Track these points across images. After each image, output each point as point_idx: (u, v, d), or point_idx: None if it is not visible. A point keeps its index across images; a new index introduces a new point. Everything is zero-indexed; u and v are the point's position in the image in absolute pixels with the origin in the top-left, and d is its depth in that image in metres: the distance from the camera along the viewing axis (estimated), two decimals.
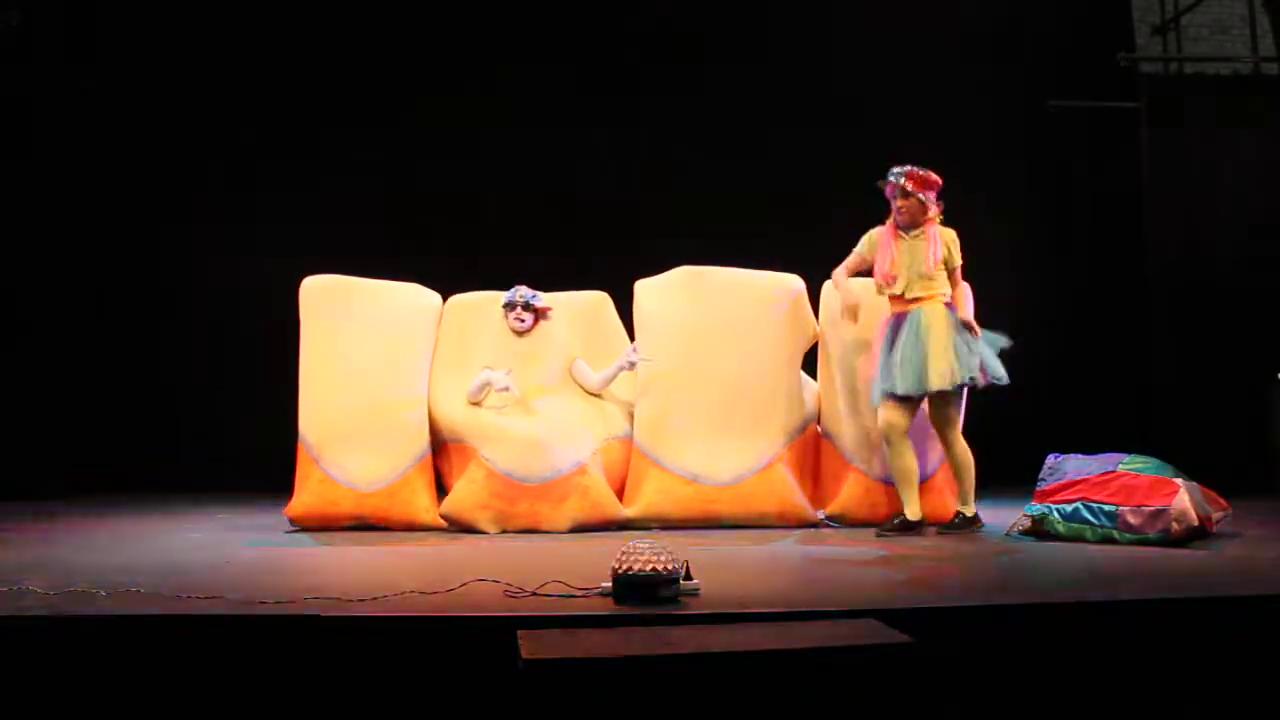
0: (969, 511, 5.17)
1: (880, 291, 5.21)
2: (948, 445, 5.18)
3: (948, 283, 5.16)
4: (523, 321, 5.69)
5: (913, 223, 5.16)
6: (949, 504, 5.59)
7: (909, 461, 5.14)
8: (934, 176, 5.19)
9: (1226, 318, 7.73)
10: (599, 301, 5.95)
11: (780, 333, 5.68)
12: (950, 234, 5.21)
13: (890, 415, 5.09)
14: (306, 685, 2.87)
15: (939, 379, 4.98)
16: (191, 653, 2.89)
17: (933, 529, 5.17)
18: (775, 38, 8.10)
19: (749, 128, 8.02)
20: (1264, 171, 7.83)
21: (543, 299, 5.76)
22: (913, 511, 5.13)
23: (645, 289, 5.84)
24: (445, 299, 5.87)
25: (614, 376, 5.69)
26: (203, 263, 7.82)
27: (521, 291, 5.74)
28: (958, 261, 5.19)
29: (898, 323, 5.13)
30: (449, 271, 6.20)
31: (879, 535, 5.06)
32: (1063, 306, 8.17)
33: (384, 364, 5.55)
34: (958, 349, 5.03)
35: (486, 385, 5.53)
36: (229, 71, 7.94)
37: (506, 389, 5.48)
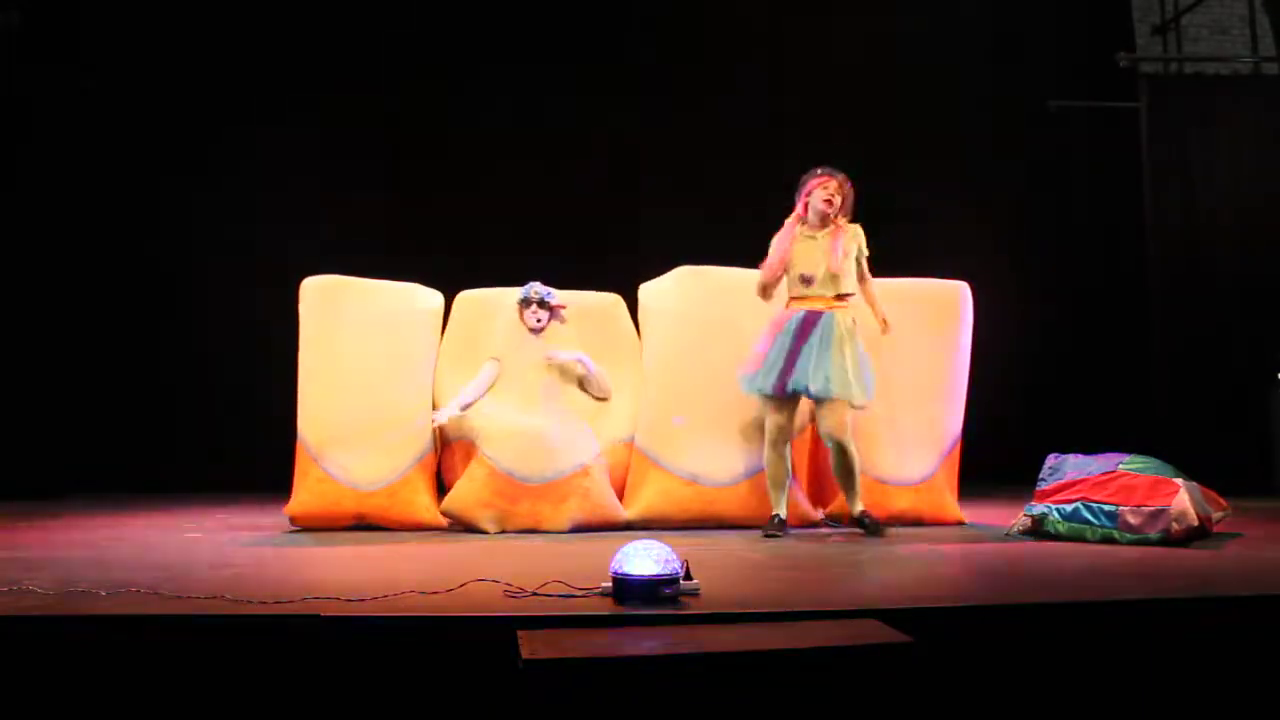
0: (861, 507, 5.12)
1: (794, 290, 5.11)
2: (843, 449, 5.03)
3: (853, 281, 5.12)
4: (540, 320, 5.67)
5: (827, 221, 5.12)
6: (948, 504, 5.60)
7: (789, 467, 5.18)
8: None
9: (1227, 318, 7.73)
10: (611, 304, 5.92)
11: None
12: (856, 228, 5.16)
13: (780, 418, 5.08)
14: (306, 685, 2.87)
15: (859, 393, 4.99)
16: (191, 653, 2.89)
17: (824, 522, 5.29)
18: (775, 36, 8.11)
19: (750, 127, 8.03)
20: (1264, 171, 7.83)
21: (557, 296, 5.74)
22: (784, 510, 5.14)
23: (649, 291, 5.84)
24: (446, 299, 5.87)
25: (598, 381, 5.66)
26: (203, 262, 7.84)
27: (536, 288, 5.69)
28: (866, 252, 5.15)
29: (807, 322, 5.04)
30: (450, 271, 6.20)
31: (766, 536, 5.02)
32: (1062, 306, 8.18)
33: (384, 363, 5.55)
34: (864, 364, 5.06)
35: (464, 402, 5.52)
36: (229, 71, 7.95)
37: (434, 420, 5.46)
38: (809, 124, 7.87)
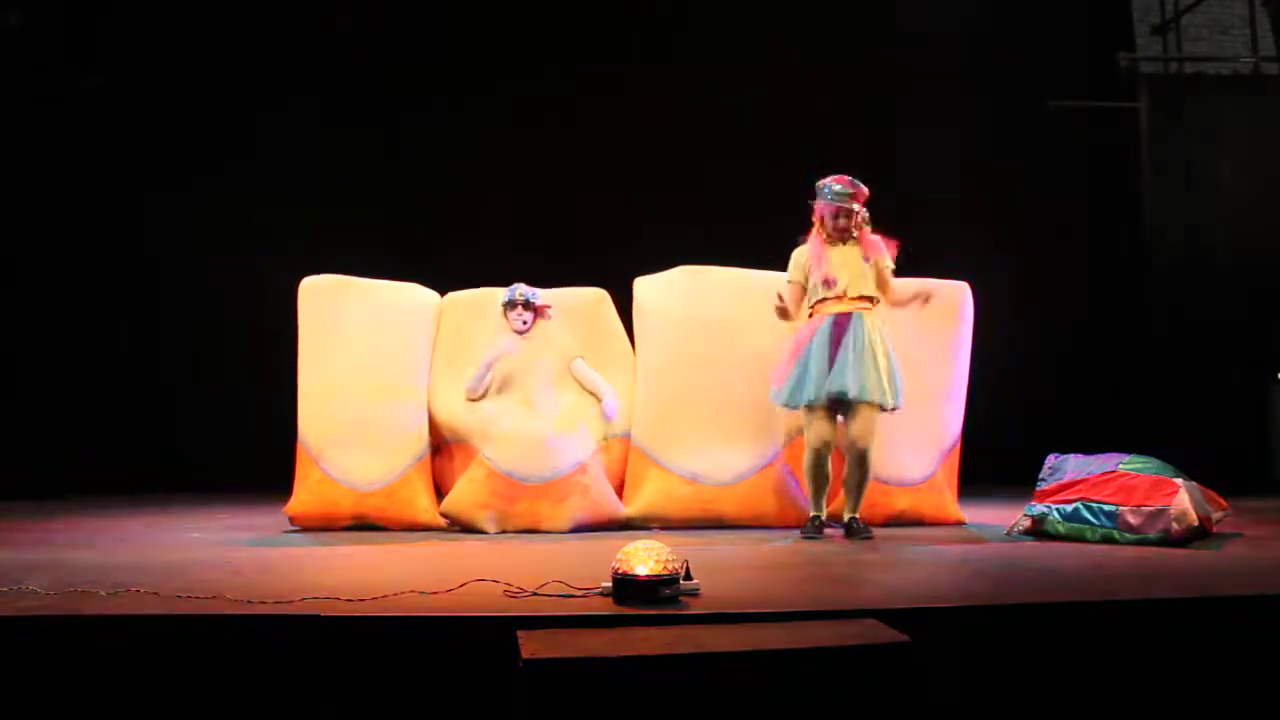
0: (855, 515, 5.05)
1: (816, 296, 5.05)
2: (863, 457, 4.98)
3: (873, 285, 5.06)
4: (525, 322, 5.68)
5: (846, 234, 5.08)
6: (948, 504, 5.60)
7: (829, 473, 5.08)
8: (863, 186, 5.11)
9: (1226, 317, 7.73)
10: (597, 299, 5.92)
11: (781, 333, 5.66)
12: (878, 239, 5.12)
13: (824, 428, 4.97)
14: (306, 685, 2.87)
15: (890, 396, 4.93)
16: (191, 653, 2.89)
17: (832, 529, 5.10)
18: (775, 37, 8.11)
19: (749, 127, 8.03)
20: (1264, 171, 7.83)
21: (541, 296, 5.75)
22: (823, 512, 5.08)
23: (645, 286, 5.83)
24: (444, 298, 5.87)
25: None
26: (203, 262, 7.84)
27: (521, 290, 5.72)
28: (891, 265, 5.10)
29: (838, 326, 4.97)
30: (448, 270, 6.20)
31: (805, 537, 4.99)
32: (1062, 306, 8.18)
33: (383, 363, 5.55)
34: (895, 368, 5.00)
35: (492, 364, 5.53)
36: (229, 71, 7.96)
37: (511, 353, 5.51)
38: (807, 124, 7.87)
